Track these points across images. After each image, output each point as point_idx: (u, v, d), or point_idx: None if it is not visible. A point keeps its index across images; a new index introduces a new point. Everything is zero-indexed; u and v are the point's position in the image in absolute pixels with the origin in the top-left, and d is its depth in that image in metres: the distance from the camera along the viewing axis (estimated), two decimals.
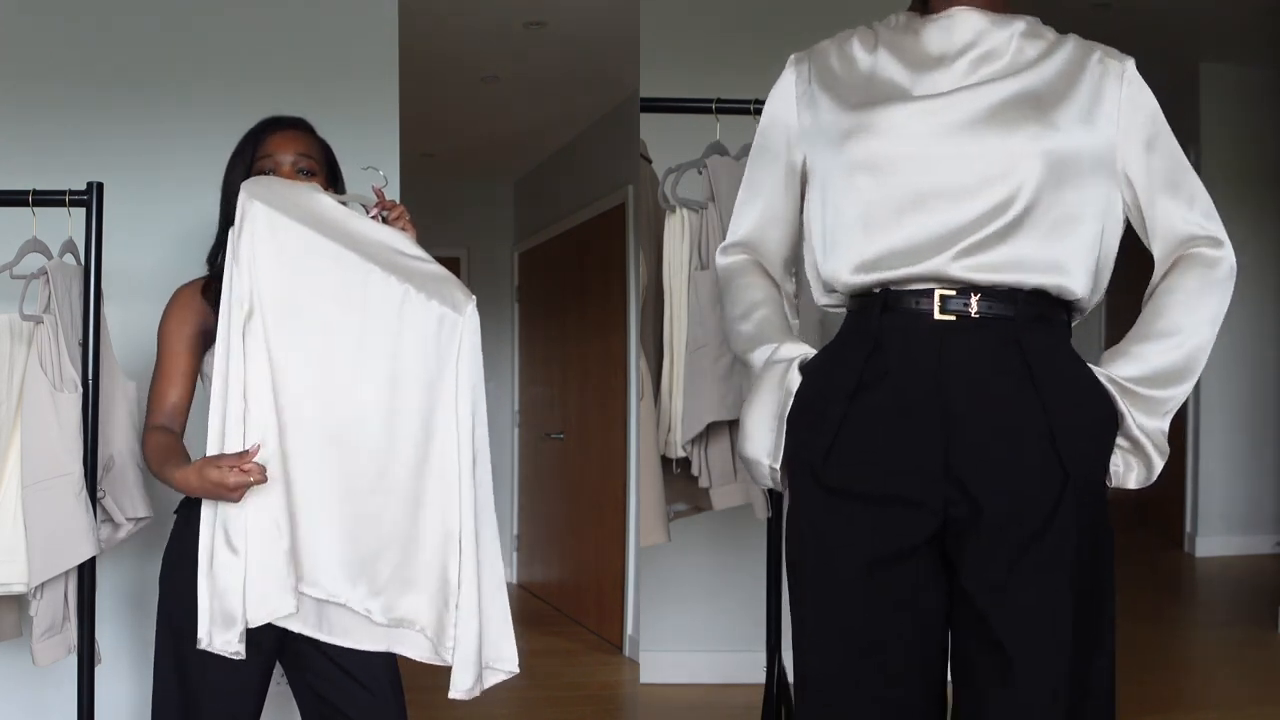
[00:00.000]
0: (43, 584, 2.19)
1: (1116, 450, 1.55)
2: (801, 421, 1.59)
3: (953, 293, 1.52)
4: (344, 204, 1.91)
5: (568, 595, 5.99)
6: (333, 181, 2.09)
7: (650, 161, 2.80)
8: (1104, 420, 1.54)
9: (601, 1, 4.05)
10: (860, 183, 1.56)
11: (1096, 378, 1.55)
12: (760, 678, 2.77)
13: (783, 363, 1.65)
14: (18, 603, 2.42)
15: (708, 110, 2.67)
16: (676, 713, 3.71)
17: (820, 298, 1.72)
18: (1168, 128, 1.62)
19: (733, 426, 2.64)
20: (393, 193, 2.88)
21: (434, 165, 6.59)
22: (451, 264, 1.76)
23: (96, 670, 2.27)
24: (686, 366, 2.58)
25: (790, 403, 1.61)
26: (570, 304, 6.00)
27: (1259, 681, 3.90)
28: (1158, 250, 1.63)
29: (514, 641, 1.90)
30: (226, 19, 3.01)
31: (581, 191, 5.82)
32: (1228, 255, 1.61)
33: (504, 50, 4.59)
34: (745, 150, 2.76)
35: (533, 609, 6.17)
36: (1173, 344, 1.57)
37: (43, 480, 2.17)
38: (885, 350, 1.54)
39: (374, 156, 2.88)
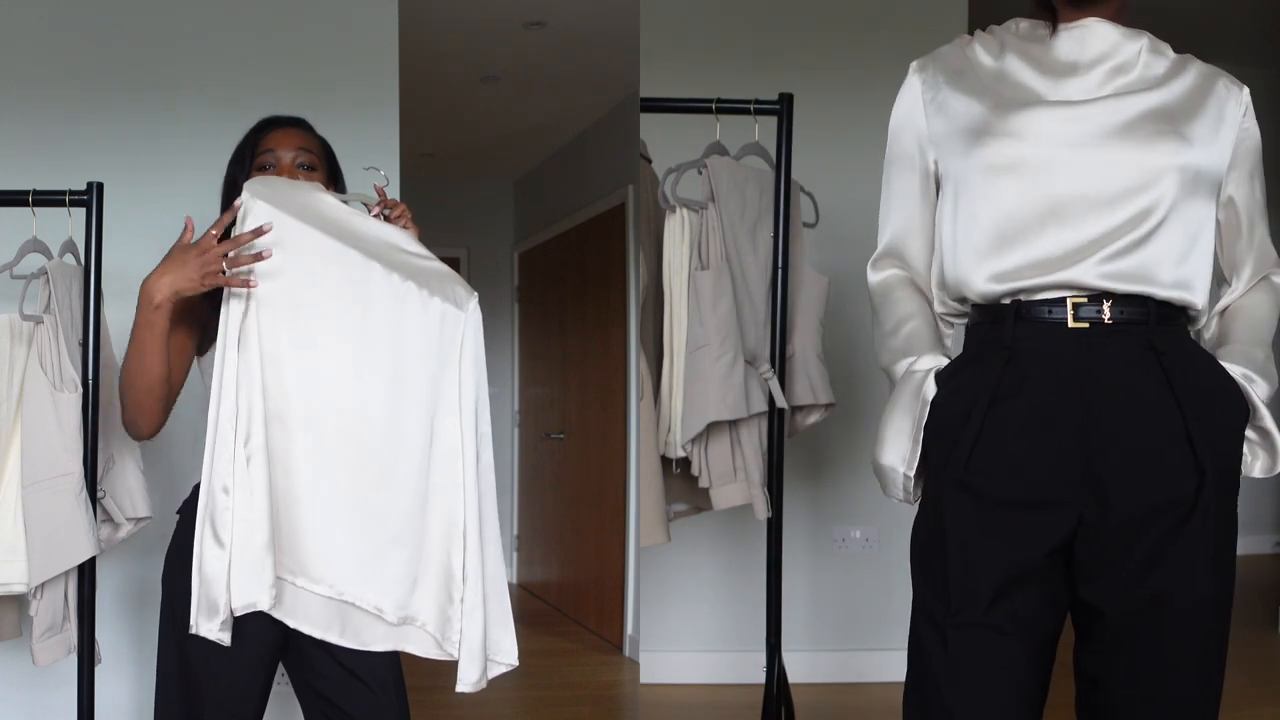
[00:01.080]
0: (43, 584, 2.19)
1: (1245, 442, 1.62)
2: (940, 431, 1.61)
3: (1085, 299, 1.55)
4: (346, 203, 1.91)
5: (568, 595, 5.99)
6: (333, 178, 2.08)
7: (650, 161, 2.80)
8: (1238, 415, 1.60)
9: (601, 1, 4.05)
10: (999, 186, 1.58)
11: (1229, 375, 1.61)
12: (760, 678, 2.77)
13: (919, 373, 1.67)
14: (18, 603, 2.42)
15: (708, 110, 2.67)
16: (676, 713, 3.70)
17: (939, 306, 1.73)
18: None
19: (732, 426, 2.64)
20: (393, 192, 2.89)
21: (434, 165, 6.59)
22: (451, 264, 1.76)
23: (96, 670, 2.28)
24: (686, 366, 2.58)
25: (926, 412, 1.64)
26: (570, 304, 6.00)
27: (1259, 681, 3.90)
28: (1249, 270, 1.71)
29: (514, 634, 1.90)
30: (226, 19, 3.01)
31: (581, 191, 5.82)
32: None
33: (504, 50, 4.59)
34: (745, 150, 2.76)
35: (533, 609, 6.17)
36: (1269, 352, 1.68)
37: (43, 480, 2.17)
38: (1021, 360, 1.57)
39: (374, 156, 2.89)
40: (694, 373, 2.57)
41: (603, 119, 5.52)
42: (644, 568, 4.01)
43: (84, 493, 2.19)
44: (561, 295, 6.18)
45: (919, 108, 1.70)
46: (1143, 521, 1.52)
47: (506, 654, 1.90)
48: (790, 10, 3.88)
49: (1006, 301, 1.59)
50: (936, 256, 1.71)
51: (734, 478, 2.66)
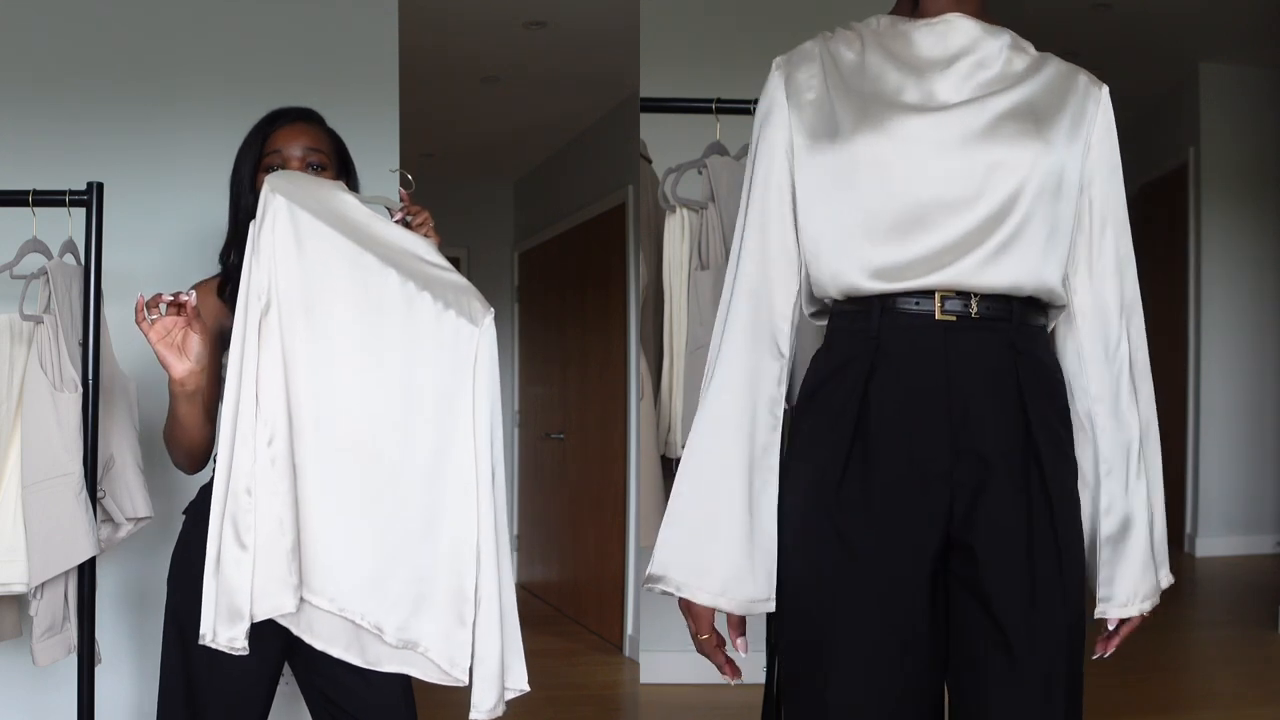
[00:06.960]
0: (43, 584, 2.19)
1: None
2: (811, 445, 1.59)
3: (952, 294, 1.54)
4: (367, 205, 1.88)
5: (568, 595, 6.00)
6: (344, 175, 2.05)
7: (650, 161, 2.80)
8: (1067, 428, 1.59)
9: (601, 1, 4.05)
10: (861, 187, 1.56)
11: (1061, 379, 1.61)
12: (760, 678, 2.77)
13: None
14: (18, 603, 2.42)
15: (708, 110, 2.67)
16: (676, 713, 3.71)
17: (805, 306, 1.70)
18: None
19: None
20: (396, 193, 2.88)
21: (434, 165, 6.59)
22: (452, 263, 1.75)
23: (96, 670, 2.27)
24: (686, 366, 2.58)
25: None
26: (570, 304, 6.01)
27: (1259, 681, 3.90)
28: (1096, 271, 1.64)
29: (524, 659, 1.86)
30: (227, 19, 3.02)
31: (581, 191, 5.82)
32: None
33: (504, 50, 4.60)
34: (745, 150, 2.76)
35: (533, 609, 6.17)
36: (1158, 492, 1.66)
37: (43, 480, 2.17)
38: (888, 349, 1.55)
39: (374, 156, 2.88)
40: (694, 373, 2.57)
41: (603, 119, 5.52)
42: (644, 568, 4.01)
43: (84, 493, 2.19)
44: (561, 295, 6.18)
45: (781, 105, 1.66)
46: (1004, 530, 1.51)
47: (517, 679, 1.85)
48: (790, 10, 3.88)
49: (873, 296, 1.57)
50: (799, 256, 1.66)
51: None
